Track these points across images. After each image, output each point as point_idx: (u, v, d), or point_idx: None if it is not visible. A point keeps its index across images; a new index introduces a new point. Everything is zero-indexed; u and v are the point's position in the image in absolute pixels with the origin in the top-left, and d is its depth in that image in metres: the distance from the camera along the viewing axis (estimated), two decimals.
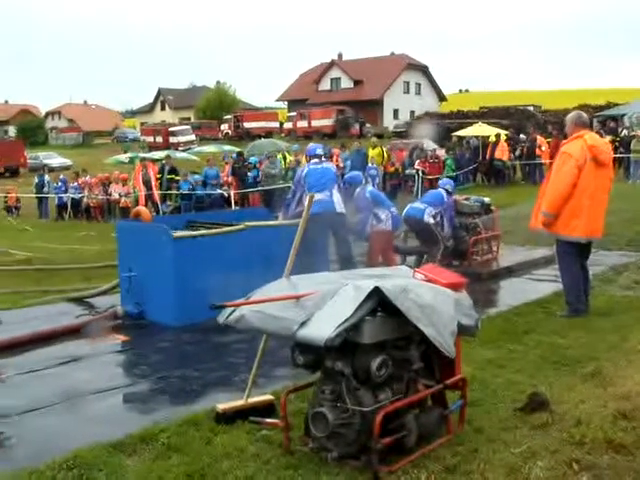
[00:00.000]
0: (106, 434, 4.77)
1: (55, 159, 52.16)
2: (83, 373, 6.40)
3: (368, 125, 53.62)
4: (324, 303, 4.10)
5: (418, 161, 25.44)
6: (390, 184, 24.60)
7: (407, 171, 25.82)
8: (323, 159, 10.10)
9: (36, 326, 7.65)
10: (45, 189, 29.05)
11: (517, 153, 27.14)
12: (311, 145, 11.08)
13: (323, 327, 3.87)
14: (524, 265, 11.02)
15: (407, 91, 65.69)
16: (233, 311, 4.32)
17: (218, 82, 78.33)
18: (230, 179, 24.21)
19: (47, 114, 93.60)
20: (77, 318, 8.16)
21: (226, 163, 25.88)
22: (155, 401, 5.68)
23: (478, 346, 6.28)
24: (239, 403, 5.00)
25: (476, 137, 28.93)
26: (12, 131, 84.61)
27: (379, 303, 4.05)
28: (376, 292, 3.98)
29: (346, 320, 3.86)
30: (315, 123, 54.04)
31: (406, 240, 11.65)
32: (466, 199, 11.57)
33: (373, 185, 18.22)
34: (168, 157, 26.01)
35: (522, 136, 28.89)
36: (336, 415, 4.08)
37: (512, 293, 9.36)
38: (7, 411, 5.43)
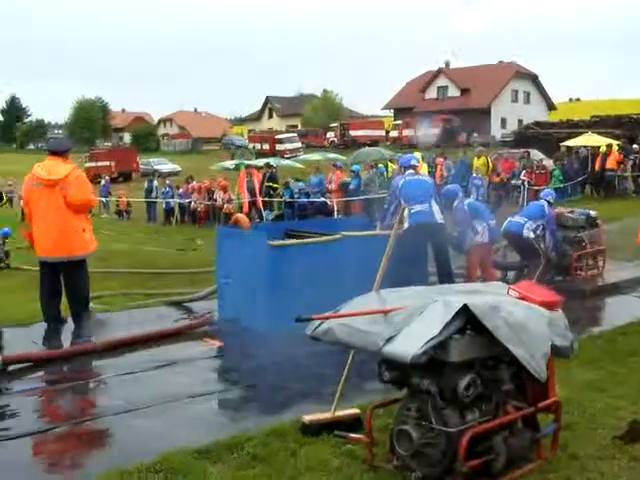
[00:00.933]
0: (194, 439, 4.85)
1: (165, 165, 53.87)
2: (177, 377, 6.52)
3: (475, 134, 52.90)
4: (412, 319, 4.03)
5: (524, 172, 24.84)
6: (495, 194, 24.10)
7: (513, 182, 25.23)
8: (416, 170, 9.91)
9: (136, 329, 7.87)
10: (153, 194, 29.99)
11: (629, 164, 26.07)
12: (406, 156, 10.95)
13: (410, 343, 3.81)
14: (632, 282, 10.57)
15: (515, 100, 64.41)
16: (321, 323, 4.30)
17: (325, 90, 79.12)
18: (334, 187, 24.25)
19: (159, 121, 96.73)
20: (175, 322, 8.34)
21: (338, 170, 25.71)
22: (243, 409, 5.73)
23: (577, 367, 6.04)
24: (326, 415, 4.98)
25: (585, 147, 28.01)
26: (127, 138, 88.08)
27: (468, 321, 3.94)
28: (465, 310, 3.88)
29: (433, 337, 3.78)
30: None
31: (506, 254, 11.38)
32: (570, 212, 11.20)
33: (477, 196, 17.90)
34: (268, 165, 26.37)
35: (635, 146, 27.75)
36: (421, 434, 4.00)
37: (618, 311, 8.99)
38: (104, 411, 5.61)
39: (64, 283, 8.32)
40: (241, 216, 10.15)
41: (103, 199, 31.46)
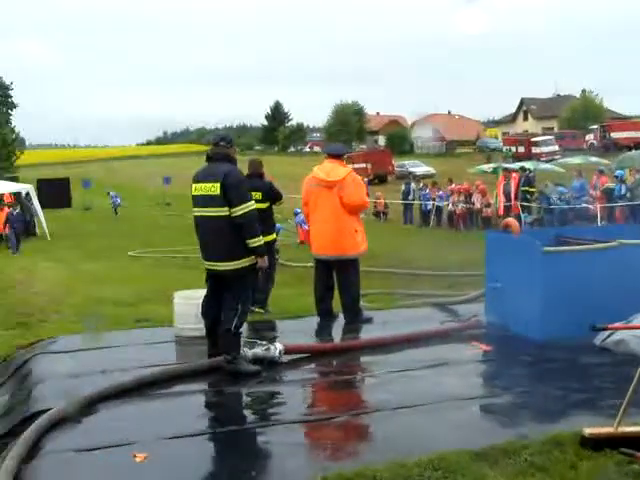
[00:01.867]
0: (468, 441, 4.87)
1: (420, 167, 54.40)
2: (447, 378, 6.56)
3: None
4: None
5: None
6: None
7: None
8: None
9: (403, 328, 8.07)
10: (410, 196, 30.49)
11: None
12: None
13: None
14: None
15: None
16: (612, 334, 4.15)
17: (584, 91, 75.55)
18: (598, 193, 23.13)
19: (413, 124, 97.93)
20: (442, 324, 8.42)
21: (601, 174, 24.49)
22: (516, 415, 5.63)
23: None
24: (609, 430, 4.77)
25: None
26: (381, 140, 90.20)
27: None
28: None
29: None
30: None
31: None
32: None
33: None
34: (523, 169, 25.74)
35: None
36: None
37: None
38: (376, 405, 5.80)
39: (336, 280, 8.75)
40: (512, 221, 9.99)
41: None
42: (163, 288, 11.96)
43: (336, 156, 8.82)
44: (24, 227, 26.26)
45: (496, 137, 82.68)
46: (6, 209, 24.94)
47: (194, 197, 6.88)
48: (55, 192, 39.72)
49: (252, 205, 6.68)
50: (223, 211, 6.59)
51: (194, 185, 6.84)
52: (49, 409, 5.54)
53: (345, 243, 8.51)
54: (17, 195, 28.56)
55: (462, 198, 26.68)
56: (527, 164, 29.47)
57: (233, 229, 6.59)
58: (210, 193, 6.64)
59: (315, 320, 8.91)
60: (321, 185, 8.53)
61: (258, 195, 8.75)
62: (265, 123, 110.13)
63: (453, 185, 28.55)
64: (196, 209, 6.87)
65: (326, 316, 8.85)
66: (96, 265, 17.72)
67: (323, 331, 8.63)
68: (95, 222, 35.13)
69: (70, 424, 5.46)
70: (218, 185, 6.58)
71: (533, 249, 7.57)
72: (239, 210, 6.55)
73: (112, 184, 47.39)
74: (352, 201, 8.41)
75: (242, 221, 6.57)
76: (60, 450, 4.99)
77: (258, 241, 6.65)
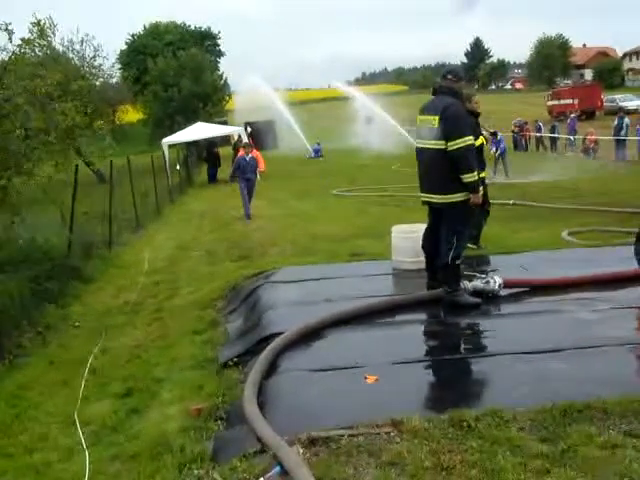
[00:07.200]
0: None
1: (632, 101, 51.09)
2: None
3: None
4: None
5: None
6: None
7: None
8: None
9: (622, 266, 7.68)
10: (622, 132, 28.71)
11: None
12: None
13: None
14: None
15: None
16: None
17: None
18: None
19: (624, 55, 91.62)
20: None
21: None
22: None
23: None
24: None
25: None
26: (588, 74, 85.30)
27: None
28: None
29: None
30: None
31: None
32: None
33: None
34: None
35: None
36: None
37: None
38: (608, 341, 5.57)
39: None
40: None
41: (571, 137, 31.14)
42: (372, 225, 12.27)
43: None
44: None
45: None
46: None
47: (417, 129, 7.01)
48: (262, 134, 41.41)
49: (469, 140, 6.64)
50: (440, 144, 6.63)
51: (418, 117, 6.95)
52: (281, 332, 5.94)
53: None
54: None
55: None
56: None
57: (448, 162, 6.62)
58: (430, 125, 6.70)
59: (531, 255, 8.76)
60: None
61: None
62: (465, 61, 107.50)
63: None
64: (418, 140, 6.99)
65: None
66: (305, 203, 18.44)
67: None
68: (300, 163, 36.30)
69: (302, 347, 5.83)
70: (437, 118, 6.63)
71: None
72: (455, 144, 6.56)
73: (316, 125, 48.51)
74: None
75: (457, 154, 6.57)
76: (296, 369, 5.37)
77: (472, 177, 6.63)
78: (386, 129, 39.34)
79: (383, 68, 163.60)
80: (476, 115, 9.19)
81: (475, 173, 6.68)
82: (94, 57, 36.96)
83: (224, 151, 34.60)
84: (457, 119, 6.65)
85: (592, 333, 5.87)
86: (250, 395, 4.78)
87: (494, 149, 23.45)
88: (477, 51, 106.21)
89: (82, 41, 36.58)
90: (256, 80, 45.87)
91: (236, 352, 6.31)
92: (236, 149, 27.14)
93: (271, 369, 5.36)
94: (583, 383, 4.82)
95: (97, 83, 38.25)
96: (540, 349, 5.49)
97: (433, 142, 6.69)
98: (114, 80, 46.59)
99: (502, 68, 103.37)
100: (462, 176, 6.59)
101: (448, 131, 6.59)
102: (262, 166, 19.58)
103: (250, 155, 17.02)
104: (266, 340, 6.04)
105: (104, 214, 15.49)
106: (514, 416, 4.28)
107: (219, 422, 4.99)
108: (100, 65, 37.85)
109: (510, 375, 5.09)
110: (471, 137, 6.71)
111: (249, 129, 35.57)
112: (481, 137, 9.00)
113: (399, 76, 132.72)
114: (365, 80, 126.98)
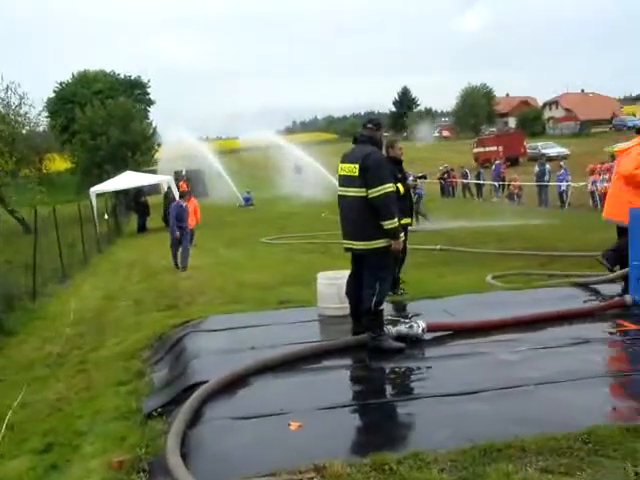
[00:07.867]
0: (618, 417, 4.86)
1: (553, 148, 52.98)
2: (592, 355, 6.45)
3: None
4: None
5: None
6: None
7: None
8: None
9: (545, 307, 7.94)
10: (545, 177, 29.67)
11: None
12: None
13: None
14: None
15: None
16: None
17: None
18: None
19: (545, 104, 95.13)
20: (585, 303, 8.27)
21: None
22: None
23: None
24: None
25: None
26: (511, 122, 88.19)
27: None
28: None
29: None
30: None
31: None
32: None
33: None
34: None
35: None
36: None
37: None
38: (526, 380, 5.74)
39: None
40: None
41: (495, 183, 32.01)
42: (299, 272, 12.35)
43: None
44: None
45: (634, 115, 79.01)
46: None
47: (339, 177, 7.15)
48: (192, 182, 41.28)
49: (389, 187, 6.78)
50: (361, 191, 6.77)
51: (340, 165, 7.10)
52: (206, 381, 5.90)
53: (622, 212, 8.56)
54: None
55: (607, 176, 25.68)
56: None
57: (369, 209, 6.75)
58: (351, 174, 6.85)
59: (455, 299, 8.93)
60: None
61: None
62: (393, 109, 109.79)
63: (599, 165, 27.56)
64: (340, 188, 7.12)
65: None
66: (235, 252, 18.44)
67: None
68: (230, 212, 36.31)
69: (227, 395, 5.80)
70: (358, 166, 6.78)
71: None
72: (376, 191, 6.70)
73: (246, 174, 48.80)
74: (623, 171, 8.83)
75: (378, 201, 6.71)
76: (220, 417, 5.34)
77: (393, 223, 6.77)
78: (316, 177, 39.76)
79: (314, 117, 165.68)
80: (399, 162, 9.40)
81: (395, 220, 6.80)
82: (19, 105, 36.52)
83: (153, 200, 34.41)
84: (377, 167, 6.80)
85: (512, 374, 5.99)
86: (173, 446, 4.72)
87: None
88: (405, 99, 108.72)
89: (7, 88, 36.13)
90: (181, 132, 45.86)
91: (160, 402, 6.22)
92: (168, 198, 27.17)
93: (195, 418, 5.30)
94: (503, 423, 4.91)
95: (23, 132, 37.73)
96: (462, 391, 5.57)
97: (354, 189, 6.83)
98: (41, 128, 46.03)
99: (429, 116, 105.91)
100: (383, 223, 6.73)
101: (369, 179, 6.73)
102: (198, 217, 19.66)
103: (185, 203, 16.81)
104: (191, 389, 5.98)
105: (27, 264, 15.17)
106: (435, 458, 4.33)
107: (141, 474, 4.88)
108: (26, 113, 37.42)
109: (433, 417, 5.16)
110: (391, 184, 6.87)
111: (184, 172, 35.49)
112: (400, 184, 9.12)
113: (329, 125, 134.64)
114: (296, 128, 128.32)
